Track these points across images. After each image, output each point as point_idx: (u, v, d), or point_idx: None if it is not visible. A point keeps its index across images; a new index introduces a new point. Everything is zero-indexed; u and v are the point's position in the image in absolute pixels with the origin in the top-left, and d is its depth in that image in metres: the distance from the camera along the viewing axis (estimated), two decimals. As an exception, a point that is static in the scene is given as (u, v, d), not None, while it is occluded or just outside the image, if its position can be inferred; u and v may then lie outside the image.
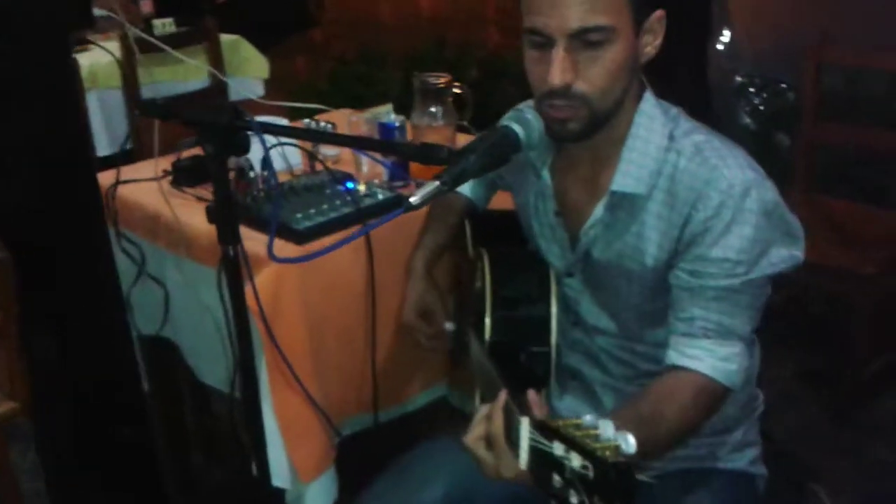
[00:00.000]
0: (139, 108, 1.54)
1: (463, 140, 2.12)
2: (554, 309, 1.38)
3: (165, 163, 2.06)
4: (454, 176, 1.07)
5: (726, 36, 3.94)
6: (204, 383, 2.42)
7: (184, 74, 3.59)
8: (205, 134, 1.32)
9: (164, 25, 3.65)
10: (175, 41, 3.20)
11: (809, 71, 2.79)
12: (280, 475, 1.65)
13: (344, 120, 2.22)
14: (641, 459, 0.90)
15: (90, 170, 1.64)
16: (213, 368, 1.92)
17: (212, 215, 1.75)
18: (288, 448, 1.66)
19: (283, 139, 1.41)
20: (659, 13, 1.23)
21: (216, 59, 3.61)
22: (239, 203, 1.79)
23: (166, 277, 1.96)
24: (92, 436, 1.82)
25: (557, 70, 1.17)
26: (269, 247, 1.24)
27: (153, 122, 2.20)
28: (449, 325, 1.54)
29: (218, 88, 3.64)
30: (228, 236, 1.39)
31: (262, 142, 1.30)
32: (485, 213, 1.66)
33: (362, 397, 1.78)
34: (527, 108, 1.23)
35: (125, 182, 1.95)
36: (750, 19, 3.93)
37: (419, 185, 1.86)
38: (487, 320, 1.37)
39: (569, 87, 1.18)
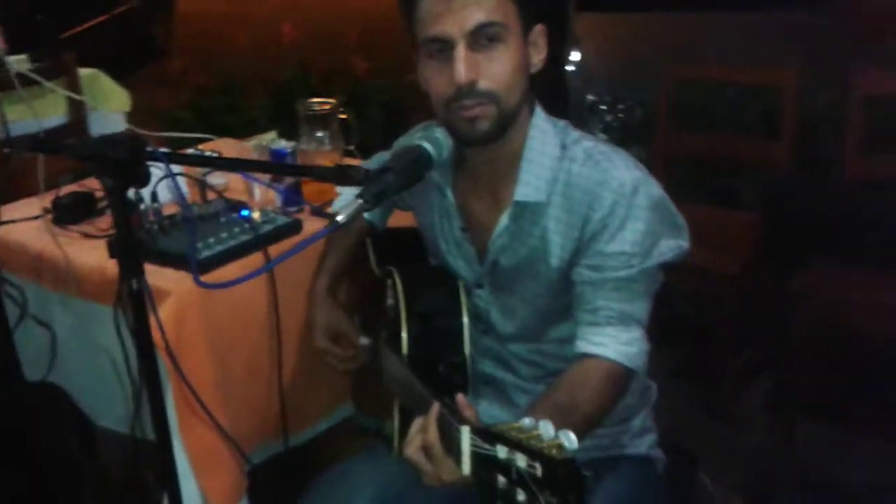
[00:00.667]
0: (16, 145, 1.48)
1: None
2: (465, 320, 1.44)
3: (43, 201, 2.00)
4: (375, 194, 1.11)
5: (576, 57, 4.16)
6: (91, 428, 2.35)
7: (42, 112, 3.46)
8: (102, 167, 1.30)
9: (18, 62, 3.51)
10: (29, 78, 3.09)
11: (663, 87, 2.99)
12: (193, 508, 1.63)
13: (227, 148, 2.22)
14: None
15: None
16: (110, 409, 1.87)
17: (113, 250, 1.73)
18: (200, 480, 1.64)
19: (186, 167, 1.41)
20: (540, 27, 1.33)
21: (75, 94, 3.49)
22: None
23: (53, 319, 1.90)
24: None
25: (462, 67, 1.25)
26: (195, 275, 1.24)
27: (29, 160, 2.15)
28: (364, 340, 1.57)
29: (78, 124, 3.52)
30: (132, 270, 1.37)
31: (170, 171, 1.30)
32: (385, 232, 1.70)
33: (270, 423, 1.78)
34: (435, 128, 1.29)
35: (4, 223, 1.88)
36: (596, 41, 4.17)
37: (315, 210, 1.90)
38: (404, 335, 1.40)
39: (474, 84, 1.26)
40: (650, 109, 3.70)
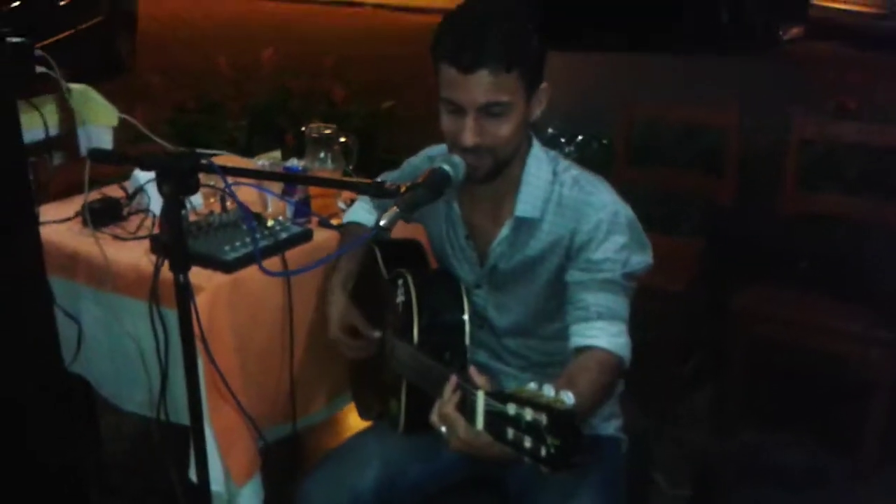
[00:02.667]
0: (92, 156, 1.69)
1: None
2: (466, 316, 1.69)
3: (72, 206, 2.21)
4: (410, 204, 1.37)
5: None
6: (97, 421, 2.54)
7: (28, 124, 3.63)
8: (164, 175, 1.53)
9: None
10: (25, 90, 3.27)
11: (621, 123, 3.30)
12: (216, 481, 1.84)
13: (233, 163, 2.42)
14: None
15: (33, 218, 1.78)
16: (134, 394, 2.06)
17: (158, 246, 1.95)
18: (223, 454, 1.85)
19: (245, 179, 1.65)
20: (543, 86, 1.58)
21: (66, 108, 3.67)
22: (163, 240, 1.98)
23: (81, 313, 2.09)
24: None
25: (469, 135, 1.51)
26: (260, 264, 1.47)
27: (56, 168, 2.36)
28: (377, 333, 1.81)
29: (68, 136, 3.69)
30: (180, 266, 1.59)
31: (225, 181, 1.54)
32: (389, 241, 1.94)
33: (281, 407, 2.00)
34: (443, 151, 1.54)
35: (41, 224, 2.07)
36: (555, 79, 4.49)
37: (322, 222, 2.14)
38: (415, 327, 1.65)
39: (478, 147, 1.52)
40: (606, 143, 4.03)
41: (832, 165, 3.24)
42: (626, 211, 1.60)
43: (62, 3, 7.80)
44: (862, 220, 2.92)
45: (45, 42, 6.85)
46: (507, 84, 1.49)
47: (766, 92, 3.41)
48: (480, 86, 1.47)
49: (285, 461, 2.08)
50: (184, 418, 1.93)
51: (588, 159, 4.25)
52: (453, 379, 1.35)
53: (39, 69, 2.75)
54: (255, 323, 1.93)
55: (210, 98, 4.66)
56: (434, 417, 1.36)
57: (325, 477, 1.72)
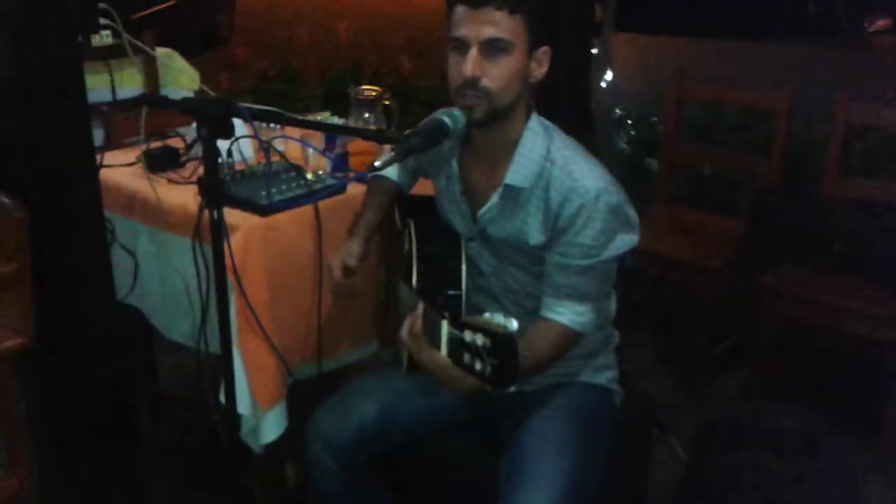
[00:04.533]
0: (152, 103, 1.90)
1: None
2: (464, 265, 1.82)
3: (135, 153, 2.43)
4: (405, 149, 1.51)
5: (609, 76, 4.52)
6: (153, 351, 2.77)
7: (119, 83, 3.90)
8: (201, 119, 1.70)
9: (101, 37, 3.95)
10: (112, 52, 3.53)
11: (671, 103, 3.35)
12: (243, 403, 2.02)
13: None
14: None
15: (92, 161, 1.99)
16: (179, 325, 2.26)
17: (202, 188, 2.14)
18: (250, 380, 2.02)
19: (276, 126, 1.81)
20: (545, 48, 1.69)
21: (151, 70, 3.93)
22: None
23: (137, 248, 2.30)
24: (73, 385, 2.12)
25: (470, 64, 1.62)
26: (270, 202, 1.62)
27: (123, 120, 2.60)
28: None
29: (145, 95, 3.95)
30: (214, 203, 1.76)
31: (253, 125, 1.70)
32: (407, 197, 2.09)
33: (307, 349, 2.16)
34: (453, 108, 1.67)
35: (105, 167, 2.29)
36: (627, 62, 4.54)
37: (358, 177, 2.29)
38: (414, 273, 1.79)
39: (477, 80, 1.63)
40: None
41: (889, 153, 3.23)
42: (608, 197, 1.66)
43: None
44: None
45: (145, 12, 7.27)
46: (510, 24, 1.61)
47: (827, 79, 3.38)
48: (486, 20, 1.60)
49: (314, 397, 2.24)
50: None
51: (651, 140, 4.29)
52: (420, 306, 1.51)
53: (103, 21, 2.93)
54: (287, 265, 2.10)
55: (290, 68, 4.90)
56: (404, 333, 1.51)
57: (334, 408, 1.89)
